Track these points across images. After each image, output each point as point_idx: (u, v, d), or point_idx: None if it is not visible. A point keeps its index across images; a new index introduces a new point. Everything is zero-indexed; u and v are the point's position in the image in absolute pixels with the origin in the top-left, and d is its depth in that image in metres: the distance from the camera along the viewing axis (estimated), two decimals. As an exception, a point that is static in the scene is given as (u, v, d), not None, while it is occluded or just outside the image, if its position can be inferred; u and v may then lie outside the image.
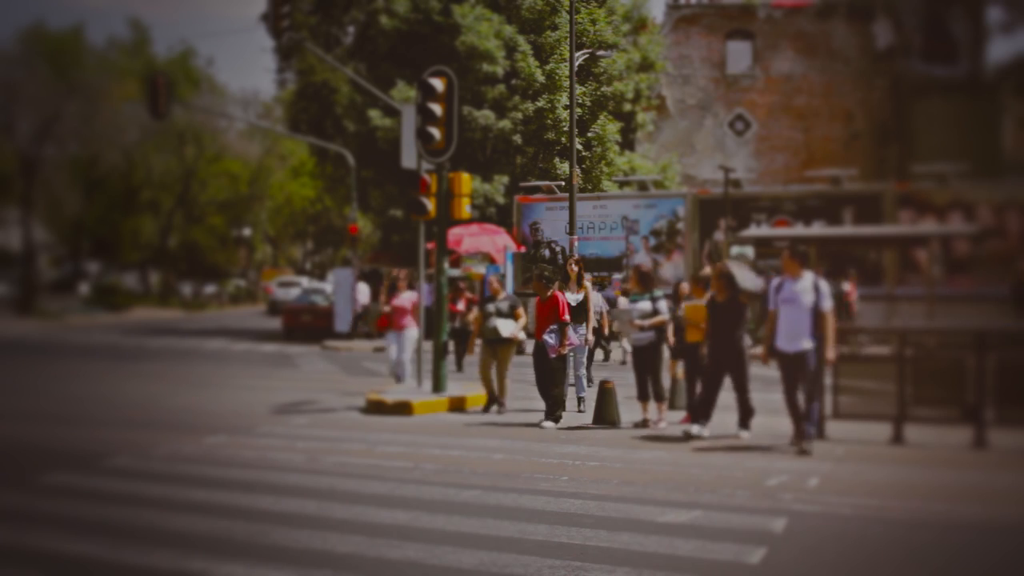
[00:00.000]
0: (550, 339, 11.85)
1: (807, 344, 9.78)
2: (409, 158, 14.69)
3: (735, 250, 21.27)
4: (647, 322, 11.38)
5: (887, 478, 8.69)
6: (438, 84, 13.59)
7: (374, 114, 26.07)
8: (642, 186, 20.76)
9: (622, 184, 19.56)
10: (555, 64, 16.19)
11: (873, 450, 9.96)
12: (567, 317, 12.04)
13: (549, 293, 12.09)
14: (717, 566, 6.17)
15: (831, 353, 9.86)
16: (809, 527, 7.05)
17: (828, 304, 9.86)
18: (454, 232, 18.20)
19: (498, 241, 19.60)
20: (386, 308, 15.20)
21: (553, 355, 11.87)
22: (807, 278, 9.87)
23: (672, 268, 20.86)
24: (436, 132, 13.52)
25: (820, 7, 28.13)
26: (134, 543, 6.84)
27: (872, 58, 24.88)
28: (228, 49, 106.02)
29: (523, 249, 19.25)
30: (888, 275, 20.46)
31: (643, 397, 11.56)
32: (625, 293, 13.35)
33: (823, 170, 23.46)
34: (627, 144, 20.19)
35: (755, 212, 22.59)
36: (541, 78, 16.97)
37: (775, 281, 10.14)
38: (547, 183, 17.38)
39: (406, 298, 15.10)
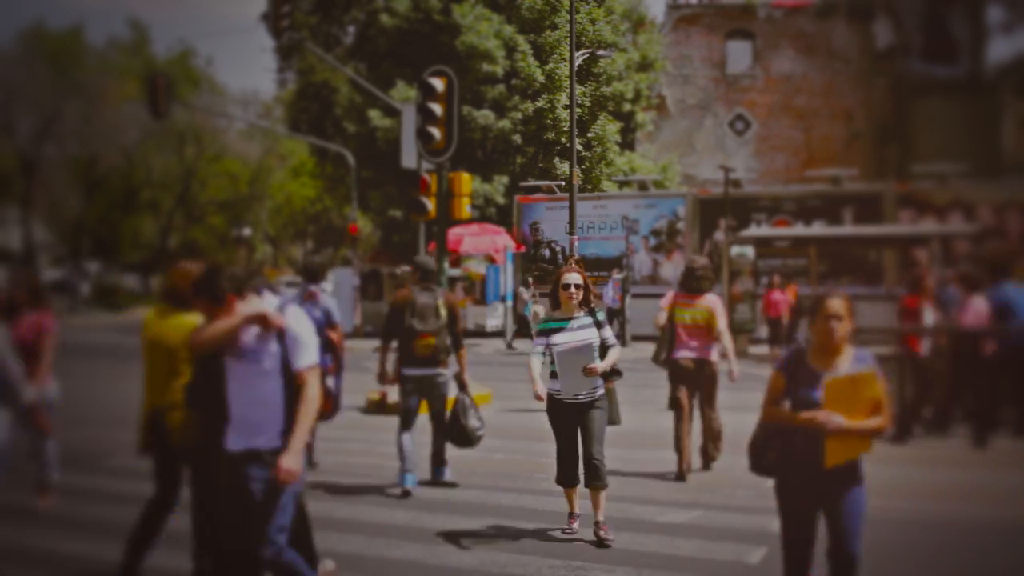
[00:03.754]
0: None
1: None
2: (409, 158, 14.71)
3: (735, 250, 21.28)
4: None
5: (888, 478, 8.68)
6: (438, 84, 13.59)
7: (374, 114, 26.08)
8: (642, 186, 20.76)
9: (622, 184, 19.56)
10: (555, 64, 16.18)
11: (874, 450, 9.94)
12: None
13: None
14: (717, 566, 6.16)
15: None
16: (809, 527, 7.04)
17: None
18: (454, 232, 18.21)
19: (498, 241, 19.62)
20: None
21: None
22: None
23: (672, 268, 20.86)
24: (436, 132, 13.51)
25: (820, 7, 28.13)
26: (134, 543, 6.82)
27: (872, 58, 24.87)
28: (228, 49, 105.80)
29: (523, 249, 19.25)
30: (888, 275, 20.47)
31: None
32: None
33: (823, 170, 23.45)
34: (627, 144, 20.17)
35: (755, 212, 22.60)
36: (541, 78, 16.95)
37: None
38: (547, 183, 17.37)
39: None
